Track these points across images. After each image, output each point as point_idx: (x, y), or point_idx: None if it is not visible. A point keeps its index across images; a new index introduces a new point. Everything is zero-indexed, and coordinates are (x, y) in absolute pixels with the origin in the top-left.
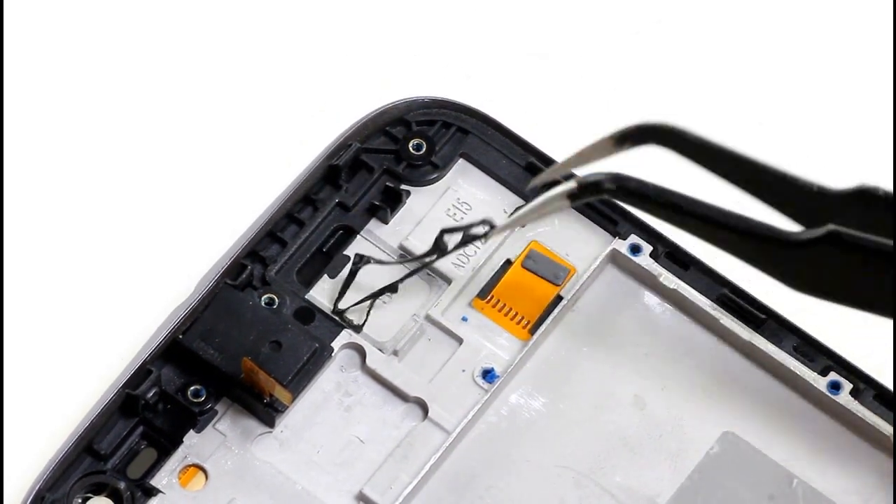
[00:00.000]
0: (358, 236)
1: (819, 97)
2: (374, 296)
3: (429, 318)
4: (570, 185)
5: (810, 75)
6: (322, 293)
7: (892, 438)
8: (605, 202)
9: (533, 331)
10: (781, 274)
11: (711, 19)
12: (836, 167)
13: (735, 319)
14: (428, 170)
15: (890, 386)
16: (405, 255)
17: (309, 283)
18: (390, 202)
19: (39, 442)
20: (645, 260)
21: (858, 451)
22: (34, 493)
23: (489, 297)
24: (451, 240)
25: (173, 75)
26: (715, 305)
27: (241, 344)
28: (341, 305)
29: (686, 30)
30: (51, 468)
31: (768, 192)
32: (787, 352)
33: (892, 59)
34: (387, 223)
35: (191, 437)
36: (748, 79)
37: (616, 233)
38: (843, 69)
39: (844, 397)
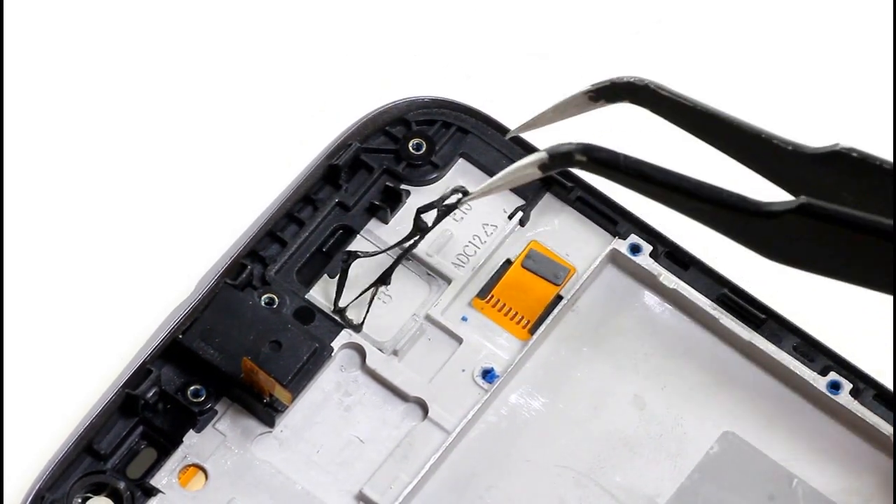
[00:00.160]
0: (358, 236)
1: (820, 97)
2: (368, 289)
3: (429, 318)
4: (540, 154)
5: (811, 75)
6: (322, 293)
7: (892, 438)
8: (606, 201)
9: (533, 331)
10: (754, 244)
11: (711, 19)
12: None
13: (735, 319)
14: (428, 170)
15: (890, 386)
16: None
17: (309, 283)
18: (390, 202)
19: (39, 442)
20: (645, 260)
21: (858, 451)
22: (34, 493)
23: (489, 297)
24: (429, 218)
25: (173, 76)
26: (715, 305)
27: (240, 344)
28: (339, 304)
29: (686, 30)
30: (51, 468)
31: (744, 151)
32: (787, 352)
33: (893, 64)
34: (387, 223)
35: (191, 437)
36: (748, 79)
37: (616, 233)
38: (844, 69)
39: (844, 397)
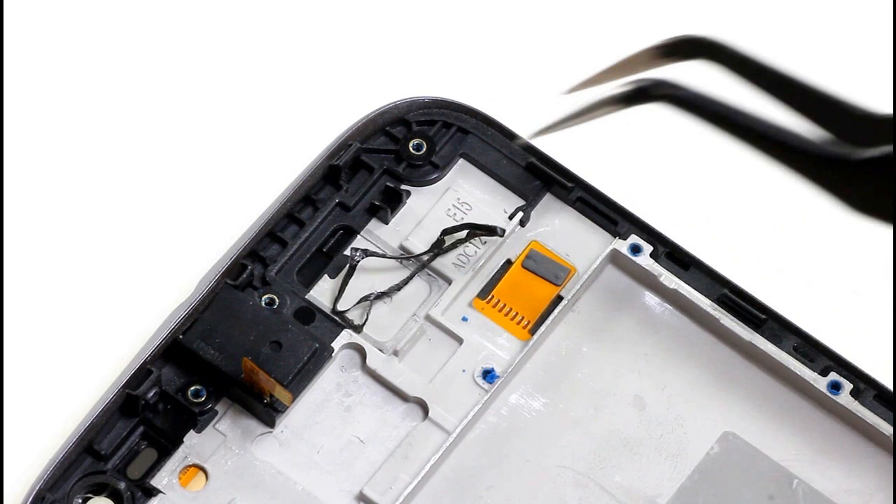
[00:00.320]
0: (358, 236)
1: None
2: (374, 297)
3: (429, 318)
4: (622, 89)
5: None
6: (322, 293)
7: (892, 438)
8: (606, 202)
9: (533, 331)
10: (837, 191)
11: (711, 20)
12: None
13: (735, 319)
14: (428, 170)
15: (890, 386)
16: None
17: (309, 283)
18: (390, 202)
19: (39, 442)
20: (645, 260)
21: (858, 451)
22: (34, 493)
23: (489, 297)
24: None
25: (174, 76)
26: (715, 305)
27: (241, 344)
28: (341, 307)
29: (686, 30)
30: (51, 468)
31: (813, 112)
32: (787, 352)
33: (893, 73)
34: (387, 223)
35: (191, 437)
36: None
37: (616, 233)
38: (844, 69)
39: (844, 397)
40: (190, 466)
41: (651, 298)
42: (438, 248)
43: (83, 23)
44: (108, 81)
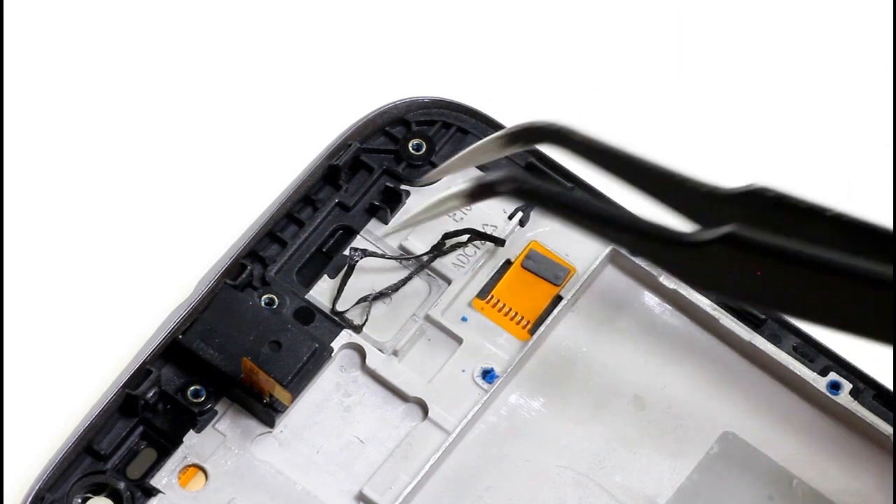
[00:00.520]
0: (358, 236)
1: (817, 107)
2: (372, 298)
3: (429, 318)
4: (466, 185)
5: (808, 83)
6: (322, 293)
7: (892, 438)
8: (606, 201)
9: (533, 331)
10: (681, 273)
11: (711, 20)
12: (831, 189)
13: (735, 319)
14: (428, 170)
15: (890, 386)
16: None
17: (309, 283)
18: (390, 202)
19: (39, 442)
20: (645, 260)
21: (858, 451)
22: (34, 493)
23: (489, 297)
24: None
25: (174, 76)
26: (715, 305)
27: (240, 344)
28: (340, 307)
29: (686, 30)
30: (51, 468)
31: (661, 192)
32: (787, 352)
33: (894, 85)
34: (387, 223)
35: (191, 437)
36: (748, 78)
37: None
38: (845, 70)
39: (844, 397)
40: (189, 466)
41: (651, 298)
42: (438, 250)
43: (83, 23)
44: (108, 82)
